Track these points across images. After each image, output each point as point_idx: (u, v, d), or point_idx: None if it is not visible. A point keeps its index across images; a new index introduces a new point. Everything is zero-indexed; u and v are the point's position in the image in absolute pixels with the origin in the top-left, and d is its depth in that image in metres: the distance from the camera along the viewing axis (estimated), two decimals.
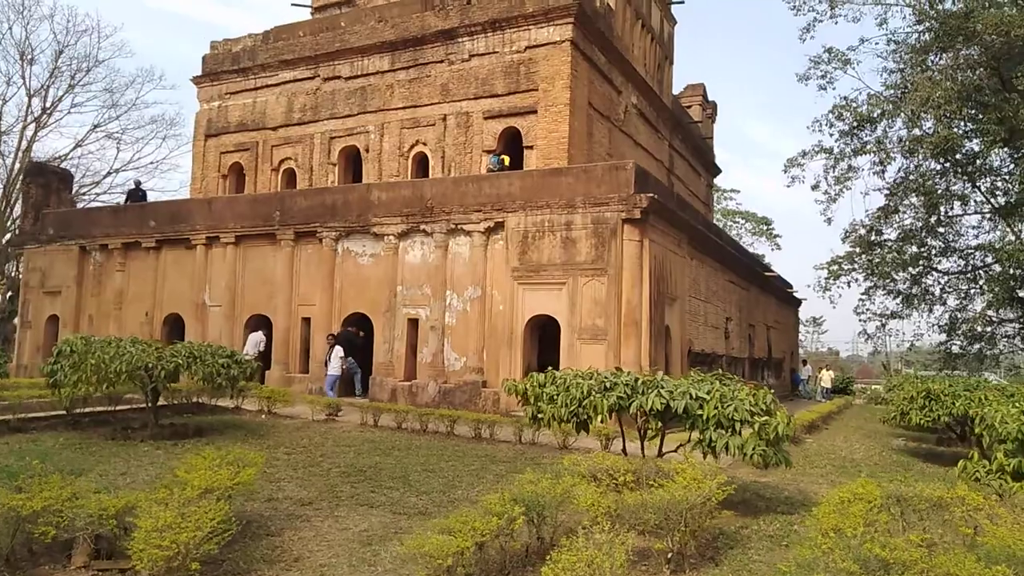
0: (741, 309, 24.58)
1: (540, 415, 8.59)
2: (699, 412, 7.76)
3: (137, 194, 24.84)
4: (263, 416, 14.67)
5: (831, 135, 27.79)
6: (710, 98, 37.36)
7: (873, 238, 28.49)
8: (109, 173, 41.16)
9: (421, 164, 23.00)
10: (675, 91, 32.00)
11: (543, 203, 16.04)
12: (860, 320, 30.32)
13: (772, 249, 59.81)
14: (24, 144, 38.12)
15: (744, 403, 7.83)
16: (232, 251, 20.08)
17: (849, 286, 29.97)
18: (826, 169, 28.10)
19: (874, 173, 28.04)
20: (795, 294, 35.21)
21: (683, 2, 29.86)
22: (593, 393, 8.01)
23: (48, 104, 39.13)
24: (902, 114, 25.03)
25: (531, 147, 20.81)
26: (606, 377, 8.24)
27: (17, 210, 38.18)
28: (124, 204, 25.19)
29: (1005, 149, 26.27)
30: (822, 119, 27.46)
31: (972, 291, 29.39)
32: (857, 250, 28.88)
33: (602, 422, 8.29)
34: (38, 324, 23.11)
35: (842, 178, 27.93)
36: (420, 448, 11.59)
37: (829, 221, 38.74)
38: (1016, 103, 22.97)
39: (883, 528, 5.65)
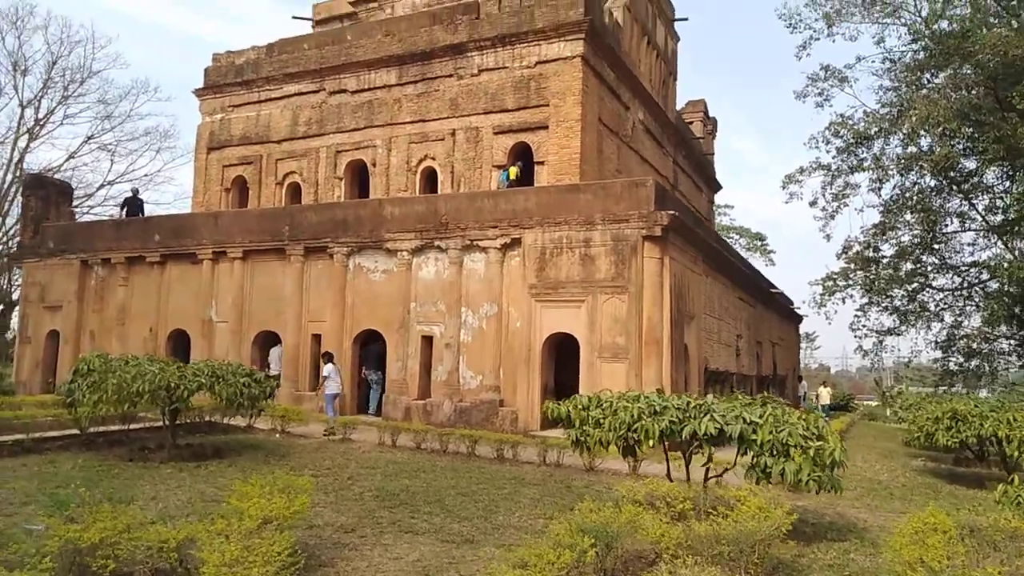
0: (750, 326, 24.50)
1: (584, 439, 8.37)
2: (753, 437, 7.58)
3: (135, 203, 24.45)
4: (277, 435, 14.38)
5: (828, 152, 27.99)
6: (710, 114, 37.52)
7: (870, 254, 28.57)
8: (103, 185, 40.88)
9: (429, 179, 22.82)
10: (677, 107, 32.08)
11: (561, 219, 15.91)
12: (856, 336, 30.32)
13: (766, 264, 60.01)
14: (16, 155, 37.75)
15: (797, 427, 7.67)
16: (239, 266, 19.77)
17: (844, 302, 29.98)
18: (824, 186, 28.29)
19: (871, 190, 28.23)
20: (797, 310, 35.24)
21: (687, 19, 30.06)
22: (644, 417, 7.80)
23: (41, 115, 38.84)
24: (899, 132, 25.18)
25: (542, 162, 20.67)
26: (655, 400, 8.04)
27: (9, 222, 37.72)
28: (121, 213, 24.79)
29: (1002, 167, 26.42)
30: (819, 136, 27.60)
31: (968, 308, 29.51)
32: (853, 266, 28.93)
33: (652, 447, 8.08)
34: (38, 339, 22.64)
35: (840, 195, 28.10)
36: (445, 470, 11.36)
37: (828, 237, 39.08)
38: (1014, 122, 23.08)
39: (963, 560, 5.52)
